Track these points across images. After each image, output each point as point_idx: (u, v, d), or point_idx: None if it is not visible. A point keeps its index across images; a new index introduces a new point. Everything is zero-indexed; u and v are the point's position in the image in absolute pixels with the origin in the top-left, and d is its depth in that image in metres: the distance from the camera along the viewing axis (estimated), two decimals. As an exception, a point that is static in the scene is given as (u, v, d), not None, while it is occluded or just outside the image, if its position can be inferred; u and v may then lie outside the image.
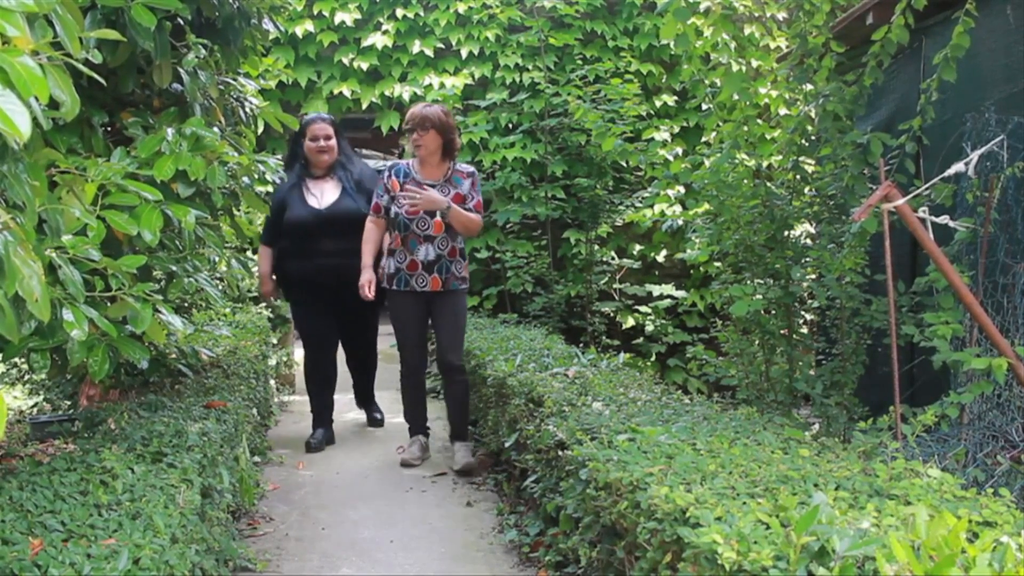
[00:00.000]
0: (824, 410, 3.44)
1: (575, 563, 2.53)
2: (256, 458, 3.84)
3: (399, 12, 6.37)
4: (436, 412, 4.79)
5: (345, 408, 5.00)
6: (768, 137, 4.32)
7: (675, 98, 6.69)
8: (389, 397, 5.37)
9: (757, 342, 3.90)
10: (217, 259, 2.88)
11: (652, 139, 5.88)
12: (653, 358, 6.53)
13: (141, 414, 2.73)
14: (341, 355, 4.70)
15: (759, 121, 3.69)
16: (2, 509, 1.82)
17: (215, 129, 2.50)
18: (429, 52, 6.42)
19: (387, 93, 6.38)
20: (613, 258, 6.70)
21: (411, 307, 4.00)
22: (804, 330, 4.77)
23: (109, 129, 2.61)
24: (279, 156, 4.07)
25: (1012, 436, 3.16)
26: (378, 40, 6.29)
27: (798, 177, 3.84)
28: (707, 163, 3.92)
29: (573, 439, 2.50)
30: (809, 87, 3.67)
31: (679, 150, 6.03)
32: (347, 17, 6.27)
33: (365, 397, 4.93)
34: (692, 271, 6.62)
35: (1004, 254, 3.33)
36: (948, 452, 3.04)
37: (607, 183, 6.46)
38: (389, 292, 4.04)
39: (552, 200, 6.40)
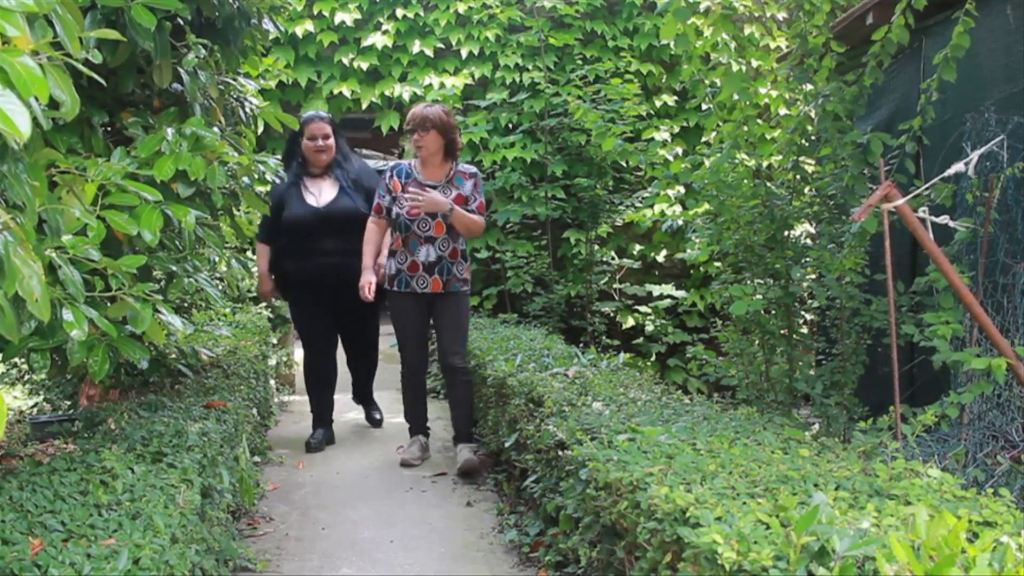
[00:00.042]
0: (824, 410, 3.44)
1: (575, 563, 2.53)
2: (256, 458, 3.84)
3: (399, 12, 6.37)
4: (436, 412, 4.79)
5: (345, 408, 5.00)
6: (768, 137, 4.32)
7: (675, 98, 6.69)
8: (389, 397, 5.37)
9: (757, 342, 3.90)
10: (217, 259, 2.88)
11: (652, 139, 5.89)
12: (653, 358, 6.53)
13: (141, 414, 2.73)
14: (341, 355, 4.70)
15: (759, 121, 3.69)
16: (2, 509, 1.82)
17: (215, 129, 2.50)
18: (429, 52, 6.42)
19: (387, 93, 6.39)
20: (613, 258, 6.70)
21: (412, 308, 3.98)
22: (804, 330, 4.77)
23: (109, 129, 2.61)
24: (279, 156, 4.06)
25: (1012, 436, 3.16)
26: (378, 40, 6.29)
27: (798, 177, 3.84)
28: (707, 163, 3.92)
29: (573, 439, 2.50)
30: (809, 87, 3.67)
31: (679, 150, 6.04)
32: (347, 17, 6.27)
33: (364, 396, 4.92)
34: (692, 271, 6.63)
35: (1004, 254, 3.33)
36: (948, 452, 3.04)
37: (607, 183, 6.47)
38: (390, 293, 4.03)
39: (552, 200, 6.40)
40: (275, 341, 5.86)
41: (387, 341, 5.04)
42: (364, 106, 6.41)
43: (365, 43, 6.30)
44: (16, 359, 3.72)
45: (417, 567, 2.87)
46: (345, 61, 6.31)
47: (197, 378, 3.40)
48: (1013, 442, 3.14)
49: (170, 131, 2.30)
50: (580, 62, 6.48)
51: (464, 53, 6.42)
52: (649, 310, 6.61)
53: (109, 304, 1.99)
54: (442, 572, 2.84)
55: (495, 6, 6.43)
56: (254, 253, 4.98)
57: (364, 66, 6.31)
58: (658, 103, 6.64)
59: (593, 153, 6.31)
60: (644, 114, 6.23)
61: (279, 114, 3.04)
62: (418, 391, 4.20)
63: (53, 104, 1.40)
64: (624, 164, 6.40)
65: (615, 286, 6.70)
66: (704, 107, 3.82)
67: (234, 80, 3.06)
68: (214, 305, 4.76)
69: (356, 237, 4.14)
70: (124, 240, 2.17)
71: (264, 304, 5.73)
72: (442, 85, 6.37)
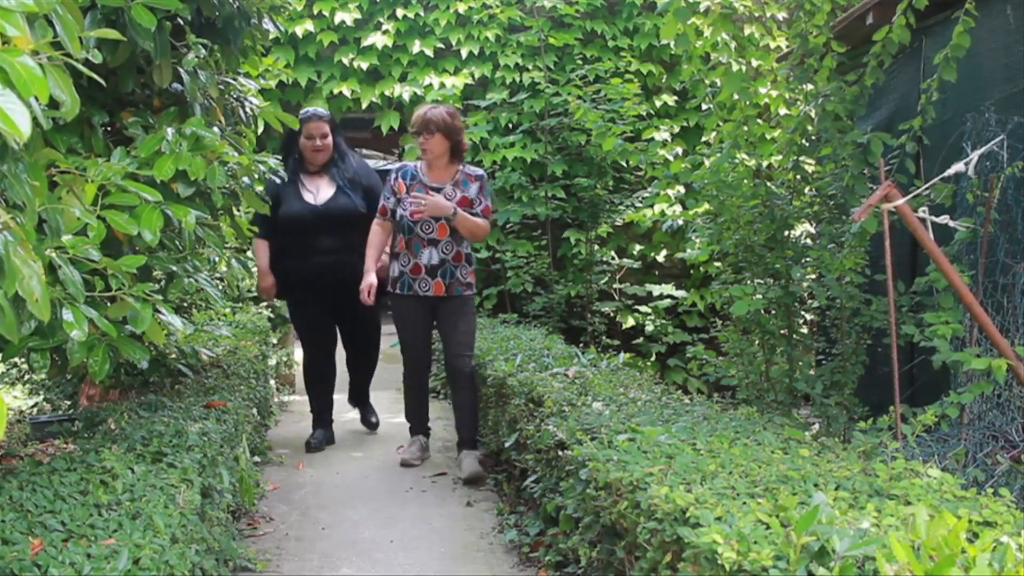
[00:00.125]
0: (824, 410, 3.44)
1: (575, 563, 2.53)
2: (256, 458, 3.83)
3: (399, 12, 6.37)
4: (436, 412, 4.79)
5: (345, 408, 5.00)
6: (768, 137, 4.32)
7: (675, 98, 6.69)
8: (389, 397, 5.38)
9: (757, 342, 3.90)
10: (217, 259, 2.88)
11: (652, 139, 5.89)
12: (653, 358, 6.53)
13: (141, 414, 2.73)
14: (341, 354, 4.69)
15: (759, 121, 3.70)
16: (2, 509, 1.82)
17: (215, 129, 2.49)
18: (429, 52, 6.42)
19: (387, 93, 6.39)
20: (613, 258, 6.70)
21: (414, 311, 3.96)
22: (804, 330, 4.77)
23: (109, 129, 2.61)
24: (279, 156, 4.05)
25: (1012, 436, 3.16)
26: (378, 40, 6.29)
27: (798, 177, 3.84)
28: (707, 163, 3.92)
29: (573, 439, 2.50)
30: (809, 87, 3.67)
31: (679, 150, 6.04)
32: (347, 17, 6.27)
33: (360, 397, 4.86)
34: (692, 271, 6.63)
35: (1004, 254, 3.33)
36: (948, 452, 3.05)
37: (607, 183, 6.47)
38: (392, 296, 4.01)
39: (552, 200, 6.40)
40: (275, 341, 5.86)
41: (387, 341, 5.04)
42: (364, 106, 6.41)
43: (365, 43, 6.30)
44: (16, 359, 3.72)
45: (417, 567, 2.87)
46: (345, 61, 6.32)
47: (197, 378, 3.40)
48: (1013, 442, 3.14)
49: (170, 131, 2.29)
50: (580, 62, 6.48)
51: (464, 53, 6.42)
52: (649, 310, 6.61)
53: (109, 304, 1.99)
54: (442, 572, 2.84)
55: (495, 6, 6.43)
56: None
57: (364, 66, 6.32)
58: (658, 103, 6.64)
59: (593, 153, 6.31)
60: (644, 114, 6.24)
61: (279, 114, 3.04)
62: (421, 392, 4.19)
63: (53, 104, 1.40)
64: (624, 164, 6.40)
65: (615, 286, 6.71)
66: (704, 107, 3.82)
67: (234, 80, 3.06)
68: (214, 305, 4.76)
69: (354, 235, 4.12)
70: (124, 240, 2.17)
71: (264, 304, 5.73)
72: (442, 85, 6.37)
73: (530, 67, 6.47)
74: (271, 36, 3.58)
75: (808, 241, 4.14)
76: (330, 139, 4.30)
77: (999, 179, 3.27)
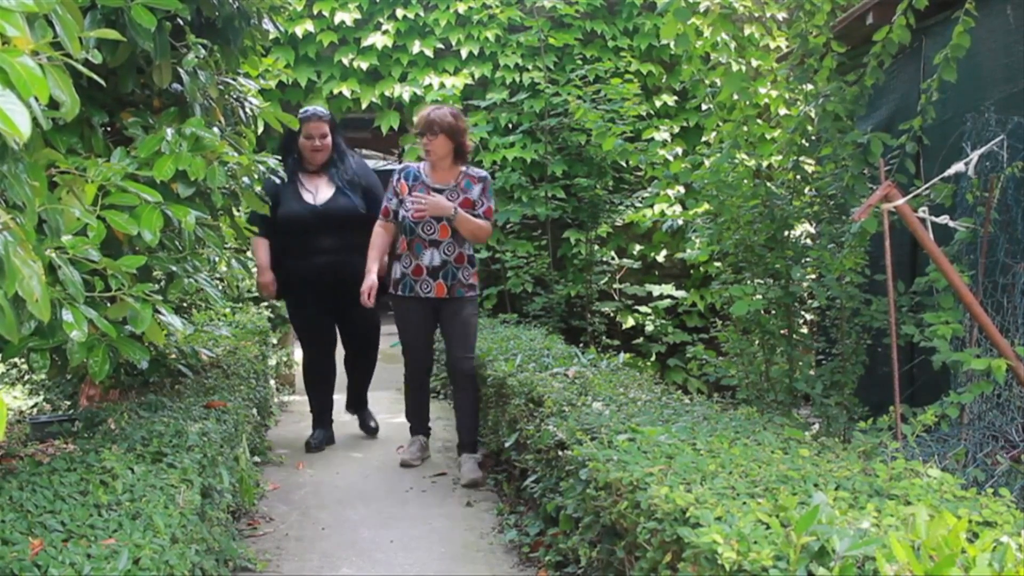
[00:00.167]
0: (824, 410, 3.44)
1: (575, 563, 2.53)
2: (256, 458, 3.84)
3: (399, 12, 6.37)
4: (436, 412, 4.79)
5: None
6: (768, 137, 4.32)
7: (675, 98, 6.69)
8: (389, 397, 5.38)
9: (757, 342, 3.90)
10: (217, 259, 2.87)
11: (652, 139, 5.88)
12: (653, 358, 6.53)
13: (141, 414, 2.73)
14: (341, 354, 4.69)
15: (759, 121, 3.70)
16: (2, 509, 1.82)
17: (215, 129, 2.50)
18: (429, 52, 6.42)
19: (387, 93, 6.39)
20: (613, 258, 6.70)
21: (416, 313, 3.95)
22: (804, 330, 4.77)
23: (109, 129, 2.61)
24: (278, 156, 4.05)
25: (1012, 436, 3.16)
26: (378, 40, 6.29)
27: (798, 177, 3.84)
28: (707, 163, 3.92)
29: (573, 439, 2.50)
30: (809, 87, 3.67)
31: (679, 150, 6.03)
32: (347, 17, 6.27)
33: (358, 401, 4.80)
34: (692, 271, 6.63)
35: (1004, 254, 3.33)
36: (948, 452, 3.05)
37: (607, 183, 6.47)
38: (394, 297, 4.01)
39: (552, 200, 6.40)
40: (275, 341, 5.86)
41: (387, 341, 5.04)
42: (364, 106, 6.40)
43: (365, 43, 6.30)
44: (16, 359, 3.72)
45: (417, 567, 2.87)
46: (345, 61, 6.31)
47: (197, 378, 3.40)
48: (1013, 442, 3.14)
49: (170, 131, 2.29)
50: (580, 62, 6.48)
51: (464, 53, 6.42)
52: (649, 310, 6.61)
53: (109, 304, 1.99)
54: (442, 572, 2.84)
55: (495, 6, 6.43)
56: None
57: (364, 66, 6.31)
58: (658, 103, 6.64)
59: (593, 153, 6.31)
60: (644, 114, 6.24)
61: (279, 114, 3.04)
62: (422, 392, 4.19)
63: (53, 104, 1.40)
64: (624, 164, 6.40)
65: (615, 286, 6.71)
66: (704, 107, 3.82)
67: (234, 80, 3.06)
68: (214, 305, 4.76)
69: (353, 235, 4.12)
70: (124, 240, 2.17)
71: (264, 304, 5.73)
72: (442, 85, 6.37)
73: (530, 67, 6.47)
74: (271, 36, 3.58)
75: (808, 241, 4.14)
76: (329, 139, 4.29)
77: (999, 179, 3.27)
